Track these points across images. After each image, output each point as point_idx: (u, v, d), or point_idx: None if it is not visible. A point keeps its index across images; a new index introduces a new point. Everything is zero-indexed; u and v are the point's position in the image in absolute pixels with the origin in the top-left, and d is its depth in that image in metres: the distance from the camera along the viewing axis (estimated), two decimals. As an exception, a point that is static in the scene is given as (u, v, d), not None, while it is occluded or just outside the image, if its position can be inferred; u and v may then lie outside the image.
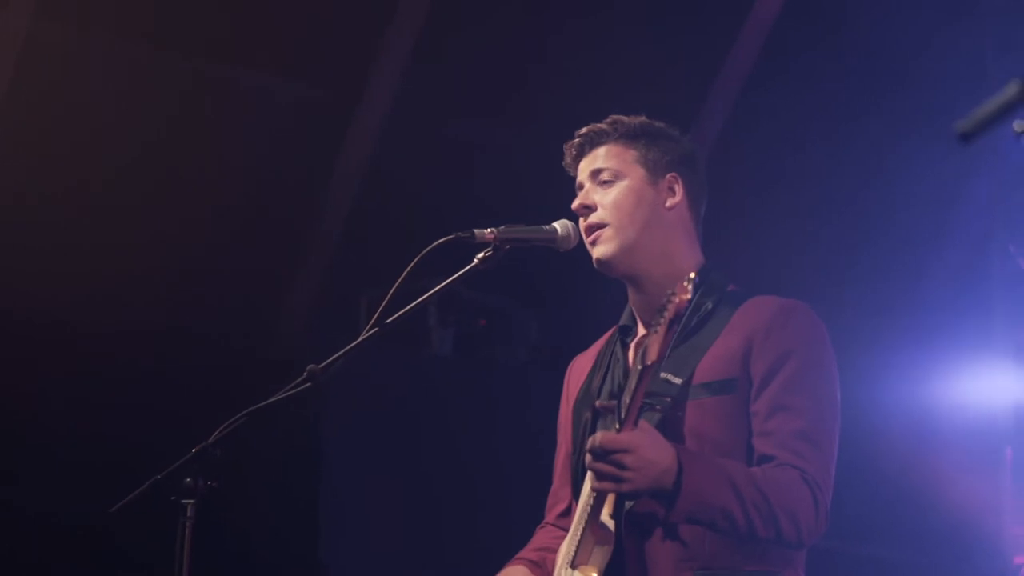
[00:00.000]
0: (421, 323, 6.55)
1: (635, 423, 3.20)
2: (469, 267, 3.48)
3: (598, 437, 3.18)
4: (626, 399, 3.19)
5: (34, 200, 5.95)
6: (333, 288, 6.45)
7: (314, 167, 6.40)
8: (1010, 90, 2.04)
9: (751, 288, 3.57)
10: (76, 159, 5.96)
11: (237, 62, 6.18)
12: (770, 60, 6.59)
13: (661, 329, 3.13)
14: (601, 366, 3.66)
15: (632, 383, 3.17)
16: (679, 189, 3.61)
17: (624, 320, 3.65)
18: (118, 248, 6.08)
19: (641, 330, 3.59)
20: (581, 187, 3.63)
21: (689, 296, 3.15)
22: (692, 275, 3.18)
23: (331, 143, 6.37)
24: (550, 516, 3.78)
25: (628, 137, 3.62)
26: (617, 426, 3.19)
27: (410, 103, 6.34)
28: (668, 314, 3.14)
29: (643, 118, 3.67)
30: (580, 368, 3.76)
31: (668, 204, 3.60)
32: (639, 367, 3.14)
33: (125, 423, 5.97)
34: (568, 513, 3.69)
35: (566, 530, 3.61)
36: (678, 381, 3.32)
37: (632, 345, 3.59)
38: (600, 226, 3.55)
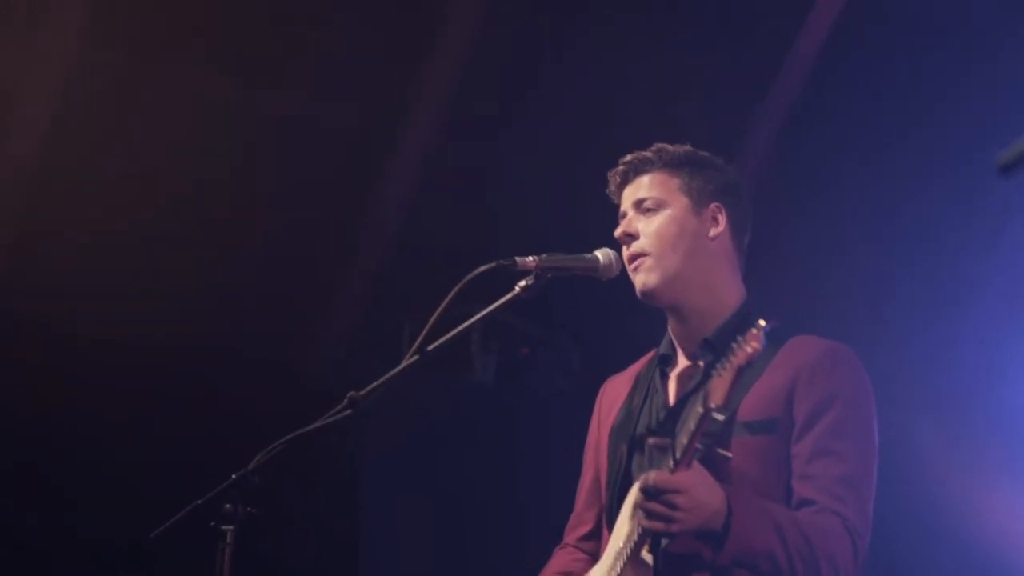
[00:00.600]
0: (464, 349, 6.54)
1: (689, 464, 3.19)
2: (511, 295, 3.48)
3: (652, 476, 3.18)
4: (682, 439, 3.17)
5: (81, 224, 5.98)
6: (376, 315, 6.45)
7: (358, 194, 6.41)
8: None
9: (790, 324, 3.55)
10: (121, 184, 5.99)
11: (283, 88, 6.21)
12: (813, 93, 6.56)
13: (727, 375, 3.10)
14: (638, 394, 3.65)
15: (691, 424, 3.15)
16: (722, 219, 3.61)
17: (664, 349, 3.64)
18: (162, 273, 6.11)
19: (681, 360, 3.57)
20: (624, 215, 3.63)
21: (760, 346, 3.11)
22: (762, 323, 3.14)
23: (374, 170, 6.38)
24: (571, 537, 3.78)
25: (672, 165, 3.63)
26: (671, 464, 3.18)
27: (453, 132, 6.35)
28: (736, 361, 3.10)
29: (688, 147, 3.68)
30: (614, 391, 3.75)
31: (711, 234, 3.60)
32: (700, 410, 3.12)
33: (168, 449, 6.00)
34: (591, 537, 3.69)
35: (587, 553, 3.61)
36: (721, 418, 3.32)
37: (672, 376, 3.58)
38: (642, 255, 3.55)
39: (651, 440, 3.42)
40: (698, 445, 3.19)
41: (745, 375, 3.23)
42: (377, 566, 6.21)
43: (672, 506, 3.15)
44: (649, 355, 3.73)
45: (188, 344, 6.21)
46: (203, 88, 6.05)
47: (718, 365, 3.14)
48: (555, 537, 3.86)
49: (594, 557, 3.63)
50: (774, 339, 3.44)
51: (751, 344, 3.11)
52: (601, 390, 3.82)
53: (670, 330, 3.63)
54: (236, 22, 5.99)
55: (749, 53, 6.56)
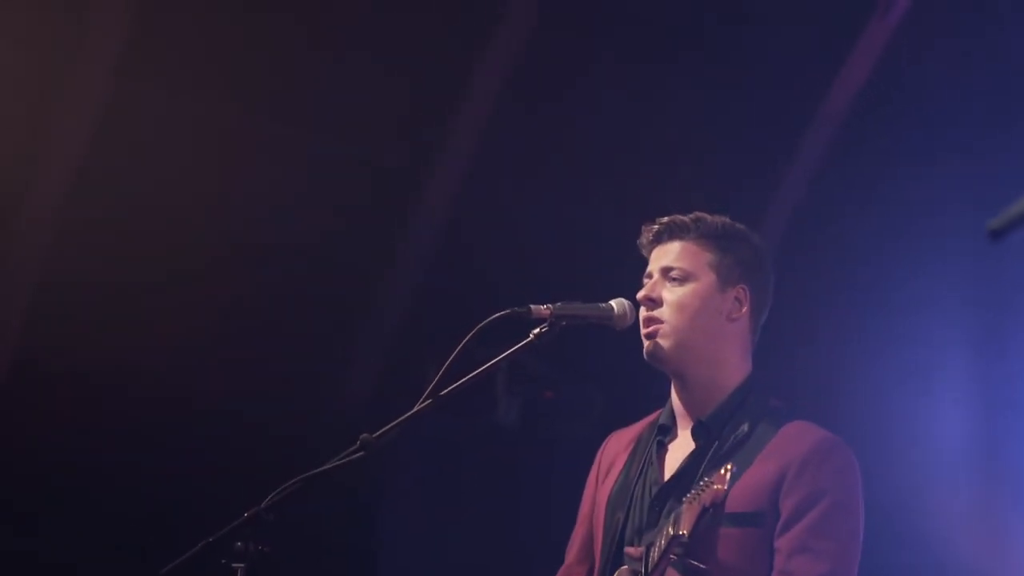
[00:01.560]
0: (488, 392, 6.57)
1: None
2: (524, 342, 3.50)
3: None
4: (654, 555, 3.30)
5: (111, 262, 6.04)
6: (400, 357, 6.48)
7: (383, 235, 6.46)
8: None
9: (794, 404, 3.58)
10: (150, 220, 6.05)
11: (313, 128, 6.26)
12: (836, 161, 6.58)
13: (695, 507, 3.23)
14: (636, 462, 3.69)
15: (661, 543, 3.28)
16: (745, 301, 3.64)
17: (664, 419, 3.68)
18: (187, 309, 6.16)
19: (680, 432, 3.61)
20: (650, 276, 3.65)
21: (724, 487, 3.23)
22: (729, 467, 3.27)
23: (402, 209, 6.42)
24: None
25: (707, 237, 3.64)
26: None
27: (483, 174, 6.39)
28: (704, 499, 3.23)
29: (725, 219, 3.69)
30: (615, 450, 3.78)
31: (732, 316, 3.62)
32: (670, 532, 3.25)
33: (183, 486, 6.04)
34: None
35: None
36: (686, 540, 3.36)
37: (669, 448, 3.64)
38: (659, 321, 3.57)
39: (628, 551, 3.48)
40: (672, 556, 3.29)
41: (735, 459, 3.36)
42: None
43: None
44: (653, 416, 3.76)
45: (211, 382, 6.26)
46: (235, 124, 6.12)
47: (691, 492, 3.26)
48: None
49: (582, 609, 3.70)
50: (773, 421, 3.51)
51: (717, 485, 3.23)
52: (603, 445, 3.85)
53: (672, 397, 3.67)
54: (271, 57, 6.06)
55: (778, 111, 6.58)
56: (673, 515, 3.23)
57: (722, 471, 3.22)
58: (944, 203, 6.22)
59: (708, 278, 3.61)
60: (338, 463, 3.42)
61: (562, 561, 3.87)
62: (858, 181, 6.53)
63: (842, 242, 6.53)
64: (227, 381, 6.29)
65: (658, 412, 3.72)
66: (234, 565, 3.31)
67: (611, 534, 3.60)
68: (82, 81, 5.80)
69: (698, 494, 3.22)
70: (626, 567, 3.33)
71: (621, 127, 6.44)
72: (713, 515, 3.28)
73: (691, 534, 3.20)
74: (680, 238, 3.64)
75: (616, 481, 3.69)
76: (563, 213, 6.53)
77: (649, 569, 3.25)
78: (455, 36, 6.21)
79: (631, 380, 6.40)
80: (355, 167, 6.33)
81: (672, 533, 3.21)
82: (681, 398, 3.62)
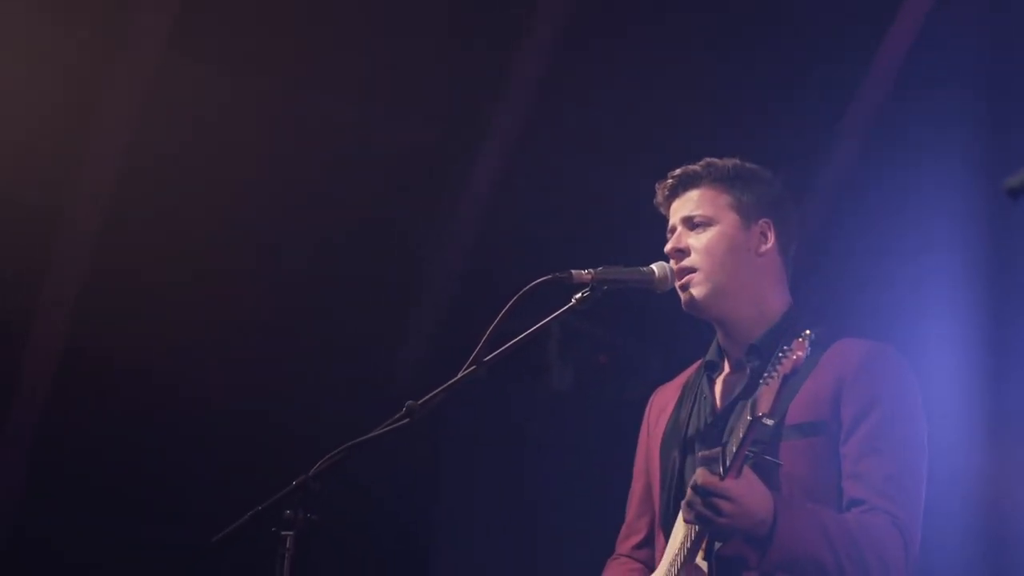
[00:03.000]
0: (542, 358, 6.58)
1: (739, 471, 3.23)
2: (566, 307, 3.52)
3: (700, 477, 3.23)
4: (732, 447, 3.22)
5: (157, 242, 6.10)
6: (452, 324, 6.51)
7: (432, 208, 6.48)
8: None
9: (837, 328, 3.57)
10: (201, 197, 6.10)
11: (365, 101, 6.29)
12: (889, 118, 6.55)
13: (774, 383, 3.17)
14: (687, 401, 3.69)
15: (740, 432, 3.20)
16: (771, 235, 3.64)
17: (710, 356, 3.68)
18: (237, 281, 6.22)
19: (727, 366, 3.61)
20: (673, 230, 3.66)
21: (805, 354, 3.19)
22: (808, 332, 3.22)
23: (453, 182, 6.45)
24: (623, 547, 3.81)
25: (722, 181, 3.65)
26: (721, 471, 3.23)
27: (531, 147, 6.40)
28: (783, 369, 3.18)
29: (736, 160, 3.69)
30: (663, 401, 3.79)
31: (760, 250, 3.63)
32: (748, 418, 3.17)
33: (236, 456, 6.11)
34: (643, 546, 3.72)
35: (640, 562, 3.64)
36: (770, 423, 3.35)
37: (719, 381, 3.62)
38: (691, 270, 3.58)
39: (701, 453, 3.44)
40: (748, 452, 3.23)
41: (791, 380, 3.25)
42: (451, 572, 6.27)
43: (717, 510, 3.21)
44: (696, 364, 3.76)
45: (259, 356, 6.32)
46: (288, 104, 6.15)
47: (766, 373, 3.19)
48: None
49: (648, 566, 3.67)
50: (820, 343, 3.48)
51: (796, 352, 3.18)
52: (650, 400, 3.86)
53: (718, 337, 3.67)
54: (319, 37, 6.09)
55: (829, 74, 6.54)
56: (751, 400, 3.18)
57: (800, 338, 3.19)
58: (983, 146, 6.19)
59: (730, 218, 3.62)
60: (384, 430, 3.44)
61: (623, 521, 3.88)
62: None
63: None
64: (281, 356, 6.34)
65: (700, 361, 3.73)
66: (283, 533, 3.34)
67: (669, 474, 3.60)
68: (130, 65, 5.84)
69: (775, 368, 3.17)
70: (702, 469, 3.24)
71: (663, 95, 6.41)
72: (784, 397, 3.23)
73: (772, 411, 3.15)
74: (695, 186, 3.66)
75: (667, 425, 3.70)
76: (606, 184, 6.52)
77: (728, 462, 3.20)
78: (499, 16, 6.21)
79: (684, 339, 6.44)
80: (406, 145, 6.35)
81: (751, 418, 3.15)
82: (727, 340, 3.63)
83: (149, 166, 5.98)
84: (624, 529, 3.84)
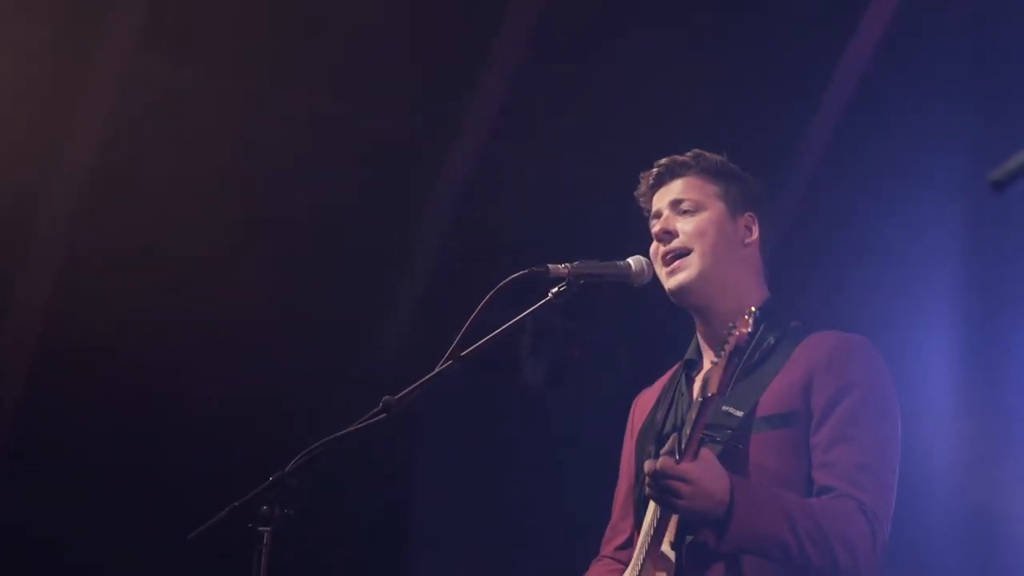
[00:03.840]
0: (514, 353, 6.58)
1: (695, 454, 3.24)
2: (543, 301, 3.52)
3: (658, 462, 3.24)
4: (686, 430, 3.23)
5: (132, 235, 6.08)
6: (428, 319, 6.51)
7: (405, 205, 6.48)
8: None
9: (814, 324, 3.59)
10: (173, 192, 6.08)
11: (339, 99, 6.27)
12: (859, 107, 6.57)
13: (721, 362, 3.20)
14: (665, 399, 3.71)
15: (692, 414, 3.22)
16: (755, 228, 3.67)
17: (690, 354, 3.70)
18: (210, 282, 6.20)
19: (707, 363, 3.61)
20: (658, 215, 3.67)
21: (749, 329, 3.23)
22: (752, 309, 3.27)
23: (425, 177, 6.44)
24: (607, 549, 3.80)
25: (709, 172, 3.68)
26: (677, 456, 3.23)
27: (502, 142, 6.40)
28: (728, 347, 3.22)
29: (723, 157, 3.72)
30: (645, 402, 3.81)
31: (746, 241, 3.65)
32: (699, 399, 3.19)
33: (211, 452, 6.10)
34: (627, 546, 3.71)
35: (623, 563, 3.63)
36: (740, 414, 3.36)
37: (698, 378, 3.62)
38: (683, 253, 3.60)
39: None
40: (704, 435, 3.25)
41: (760, 370, 3.33)
42: (425, 566, 6.26)
43: (675, 493, 3.21)
44: (677, 365, 3.78)
45: (238, 352, 6.30)
46: (257, 98, 6.13)
47: (715, 356, 3.22)
48: (598, 539, 3.89)
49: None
50: (795, 337, 3.51)
51: (741, 329, 3.22)
52: (633, 403, 3.87)
53: (697, 333, 3.69)
54: (290, 30, 6.08)
55: (800, 65, 6.56)
56: (703, 382, 3.20)
57: (745, 315, 3.22)
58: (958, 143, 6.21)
59: (717, 206, 3.64)
60: (360, 425, 3.44)
61: (598, 516, 3.88)
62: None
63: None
64: (256, 351, 6.33)
65: (680, 362, 3.74)
66: (260, 529, 3.33)
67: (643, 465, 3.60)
68: (103, 60, 5.82)
69: (723, 346, 3.21)
70: (662, 456, 3.24)
71: (635, 89, 6.42)
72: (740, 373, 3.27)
73: (720, 390, 3.17)
74: (682, 175, 3.68)
75: (644, 421, 3.72)
76: (582, 176, 6.52)
77: (683, 445, 3.21)
78: (475, 10, 6.21)
79: (655, 332, 6.46)
80: (379, 139, 6.34)
81: (701, 399, 3.17)
82: (706, 333, 3.64)
83: (123, 163, 5.95)
84: (608, 531, 3.84)
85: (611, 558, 3.78)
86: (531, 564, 6.27)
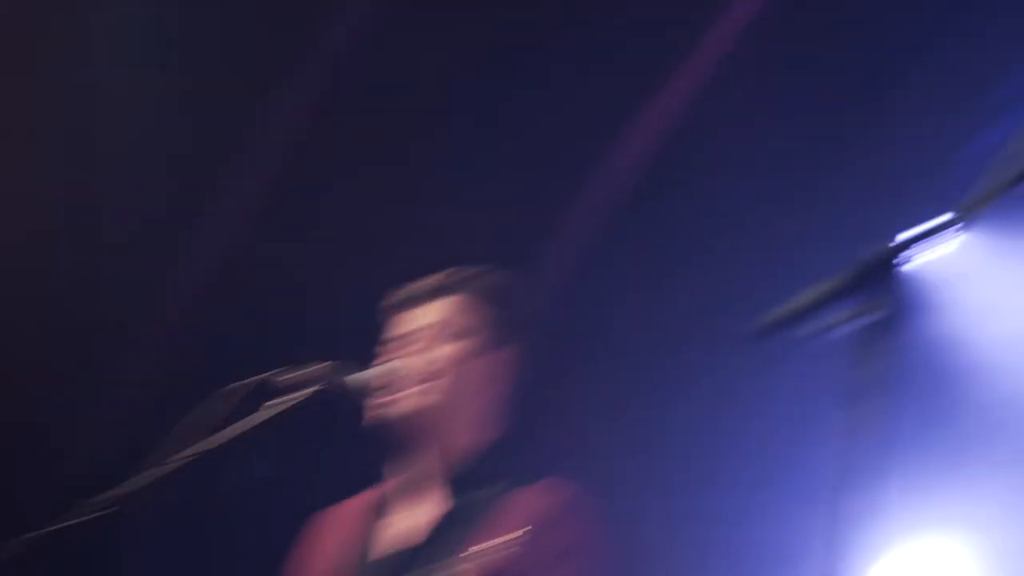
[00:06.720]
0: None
1: None
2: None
3: None
4: None
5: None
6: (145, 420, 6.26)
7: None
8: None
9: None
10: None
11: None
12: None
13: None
14: (356, 541, 3.69)
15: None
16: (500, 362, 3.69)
17: (390, 489, 3.72)
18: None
19: (408, 501, 3.66)
20: (406, 336, 3.66)
21: None
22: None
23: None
24: None
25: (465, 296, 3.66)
26: None
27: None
28: None
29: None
30: (328, 528, 3.76)
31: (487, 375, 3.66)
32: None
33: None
34: None
35: None
36: None
37: (396, 517, 3.67)
38: (428, 378, 3.57)
39: None
40: None
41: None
42: None
43: None
44: (369, 492, 3.79)
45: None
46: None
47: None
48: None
49: None
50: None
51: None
52: (314, 523, 3.80)
53: (401, 466, 3.64)
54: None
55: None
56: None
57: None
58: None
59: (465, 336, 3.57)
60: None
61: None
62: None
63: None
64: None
65: (375, 490, 3.64)
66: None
67: None
68: None
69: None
70: None
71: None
72: None
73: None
74: (435, 297, 3.62)
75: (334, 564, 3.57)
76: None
77: None
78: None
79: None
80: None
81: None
82: (415, 464, 3.54)
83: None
84: None
85: None
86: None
